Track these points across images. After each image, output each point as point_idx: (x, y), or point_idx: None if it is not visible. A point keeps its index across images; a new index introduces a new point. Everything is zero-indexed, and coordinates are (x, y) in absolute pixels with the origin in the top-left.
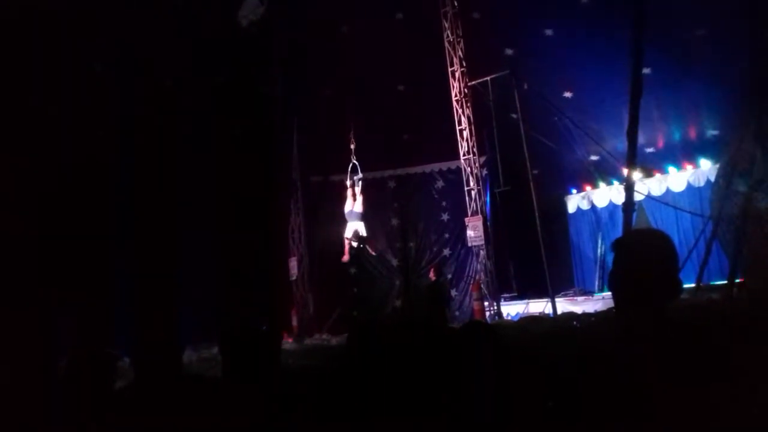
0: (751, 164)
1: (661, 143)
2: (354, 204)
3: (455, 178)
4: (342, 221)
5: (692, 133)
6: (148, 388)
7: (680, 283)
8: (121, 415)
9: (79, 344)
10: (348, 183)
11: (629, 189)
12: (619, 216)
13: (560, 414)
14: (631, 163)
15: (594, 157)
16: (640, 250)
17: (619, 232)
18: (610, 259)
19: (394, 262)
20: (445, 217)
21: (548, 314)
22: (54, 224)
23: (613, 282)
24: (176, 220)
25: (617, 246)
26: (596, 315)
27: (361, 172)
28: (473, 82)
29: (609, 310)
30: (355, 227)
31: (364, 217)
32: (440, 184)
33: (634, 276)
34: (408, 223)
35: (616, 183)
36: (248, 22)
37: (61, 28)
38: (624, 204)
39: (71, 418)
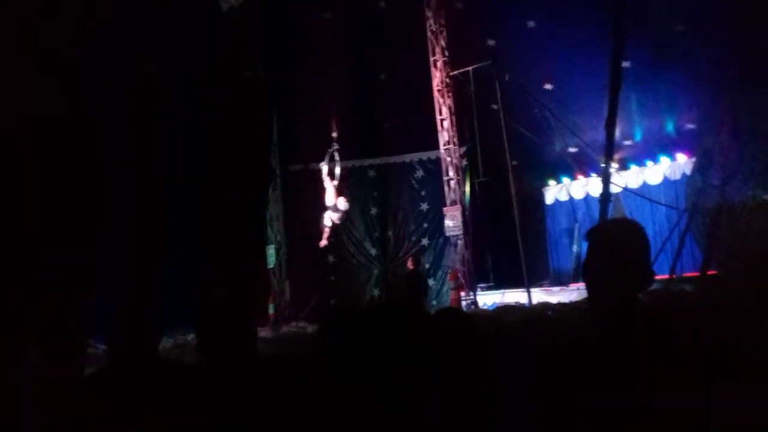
0: (726, 158)
1: (639, 136)
2: (336, 197)
3: (434, 168)
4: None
5: (670, 127)
6: (122, 372)
7: (652, 273)
8: (93, 399)
9: (50, 331)
10: (325, 173)
11: (606, 180)
12: (596, 208)
13: (536, 402)
14: (609, 155)
15: (573, 149)
16: (613, 240)
17: (595, 223)
18: (584, 249)
19: (373, 251)
20: (424, 206)
21: (524, 304)
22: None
23: (587, 271)
24: (160, 208)
25: (591, 236)
26: (570, 305)
27: (341, 160)
28: (455, 72)
29: (583, 300)
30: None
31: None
32: (419, 173)
33: (607, 265)
34: (387, 213)
35: (594, 175)
36: (229, 6)
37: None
38: (601, 195)
39: (43, 407)
